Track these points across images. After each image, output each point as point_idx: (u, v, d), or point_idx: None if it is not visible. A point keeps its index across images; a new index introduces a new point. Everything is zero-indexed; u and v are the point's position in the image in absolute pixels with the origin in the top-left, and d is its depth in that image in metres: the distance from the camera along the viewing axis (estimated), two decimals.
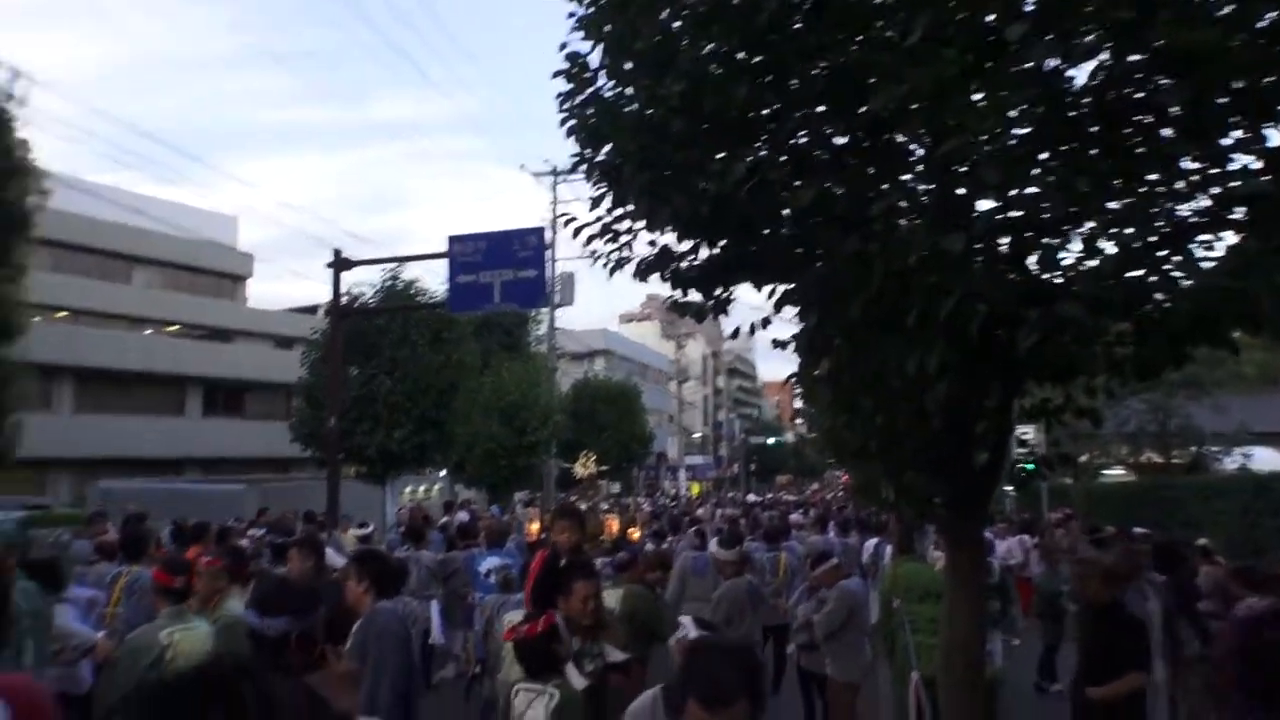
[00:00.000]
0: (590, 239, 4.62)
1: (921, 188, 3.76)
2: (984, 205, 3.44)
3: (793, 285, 4.24)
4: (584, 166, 4.59)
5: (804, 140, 3.94)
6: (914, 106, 3.25)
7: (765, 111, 3.86)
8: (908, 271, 3.20)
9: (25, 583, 4.47)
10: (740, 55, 3.76)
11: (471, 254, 15.22)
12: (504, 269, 14.97)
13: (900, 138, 3.81)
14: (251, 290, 40.59)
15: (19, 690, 2.51)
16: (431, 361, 23.24)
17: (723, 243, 4.33)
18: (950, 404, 3.92)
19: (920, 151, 3.79)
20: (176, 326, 34.91)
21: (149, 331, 33.97)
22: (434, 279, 26.60)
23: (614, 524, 9.76)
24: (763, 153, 3.92)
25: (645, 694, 3.21)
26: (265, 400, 35.64)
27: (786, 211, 3.92)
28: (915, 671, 5.59)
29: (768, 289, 4.32)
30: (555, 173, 28.40)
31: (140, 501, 19.03)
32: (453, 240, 15.58)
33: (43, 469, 26.54)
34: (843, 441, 5.37)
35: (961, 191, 3.51)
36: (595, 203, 4.54)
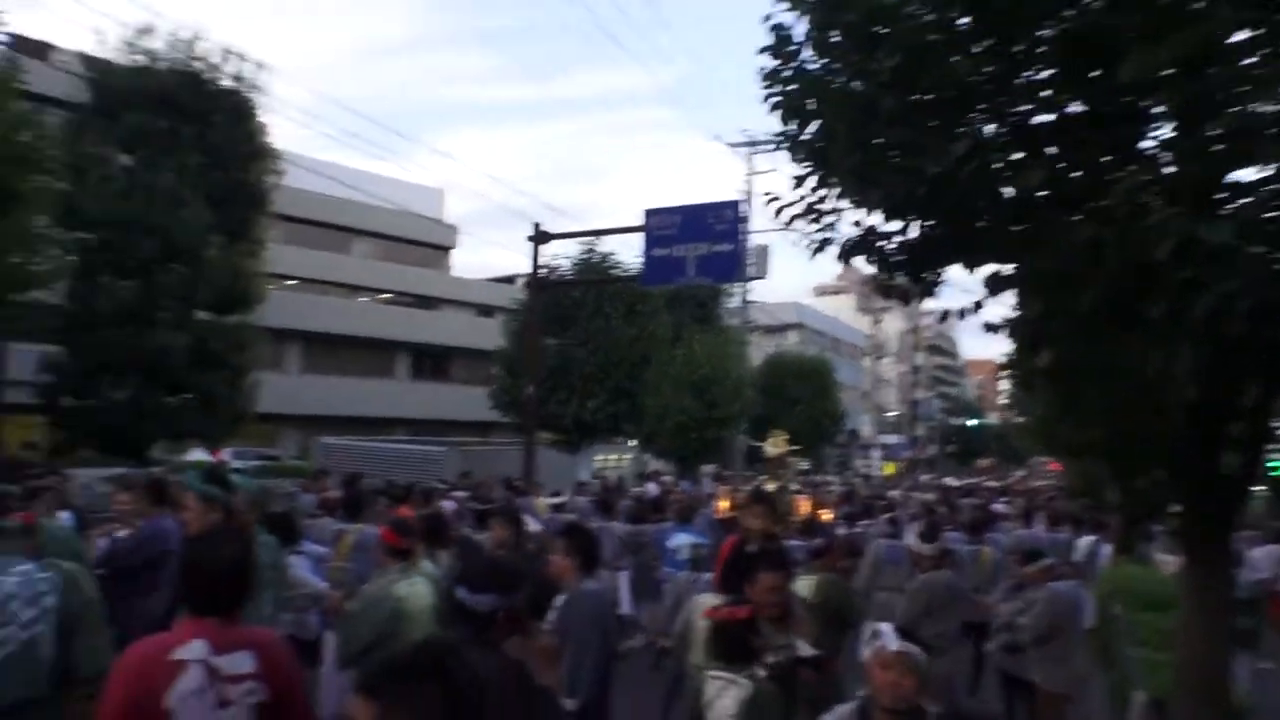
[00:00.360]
0: (793, 219, 4.47)
1: (1165, 164, 3.35)
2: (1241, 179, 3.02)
3: (1012, 269, 3.93)
4: (787, 144, 4.44)
5: (1029, 111, 3.62)
6: (1168, 73, 2.89)
7: (985, 78, 3.56)
8: (1153, 263, 2.85)
9: (265, 536, 4.88)
10: (962, 22, 3.48)
11: (667, 228, 15.30)
12: (699, 243, 14.95)
13: (1144, 105, 3.41)
14: (454, 260, 42.94)
15: (264, 643, 2.76)
16: (625, 334, 23.72)
17: (935, 223, 4.07)
18: (1197, 403, 3.52)
19: (1170, 124, 3.37)
20: (388, 294, 37.45)
21: (364, 299, 36.65)
22: (629, 251, 27.04)
23: (805, 504, 9.56)
24: (983, 127, 3.62)
25: (841, 710, 3.09)
26: (468, 366, 37.59)
27: (1010, 191, 3.61)
28: (1140, 692, 5.11)
29: (982, 270, 4.04)
30: (752, 144, 28.07)
31: (353, 457, 20.65)
32: (648, 214, 15.70)
33: (274, 423, 29.20)
34: (1062, 436, 4.98)
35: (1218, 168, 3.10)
36: (799, 182, 4.38)
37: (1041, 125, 3.57)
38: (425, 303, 38.33)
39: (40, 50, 22.18)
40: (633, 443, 28.58)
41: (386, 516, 7.08)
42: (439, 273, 40.46)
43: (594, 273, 23.83)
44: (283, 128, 74.70)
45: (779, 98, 4.25)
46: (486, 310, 38.75)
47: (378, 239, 37.56)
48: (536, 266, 18.00)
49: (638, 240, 16.08)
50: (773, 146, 4.38)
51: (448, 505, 10.41)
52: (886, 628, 3.09)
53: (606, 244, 25.01)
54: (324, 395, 32.05)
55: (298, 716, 2.79)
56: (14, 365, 19.01)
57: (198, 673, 2.55)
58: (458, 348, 37.55)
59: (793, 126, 4.26)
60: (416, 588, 4.48)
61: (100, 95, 18.76)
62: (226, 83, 19.87)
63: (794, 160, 4.36)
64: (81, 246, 17.27)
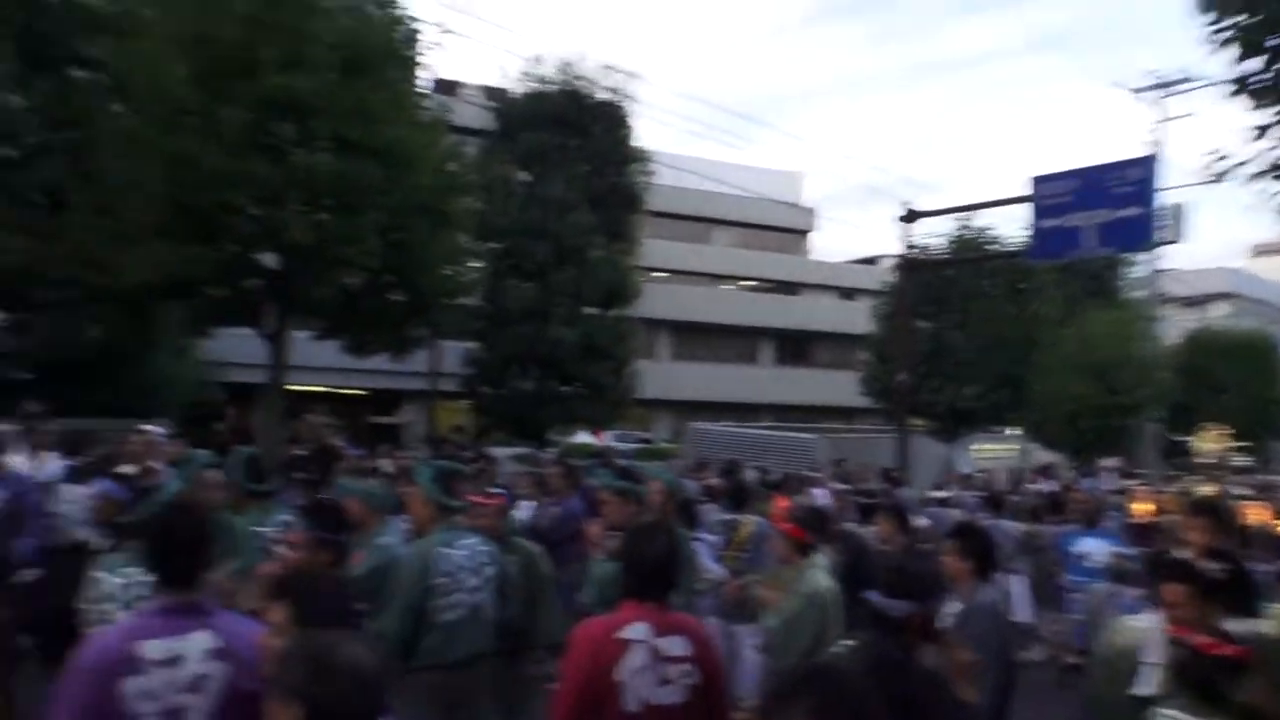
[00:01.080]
0: (1252, 177, 3.76)
1: None
2: None
3: None
4: (1241, 90, 3.73)
5: None
6: None
7: None
8: None
9: (680, 529, 5.05)
10: None
11: (1059, 195, 13.80)
12: (1098, 209, 13.28)
13: None
14: (813, 243, 42.81)
15: (694, 629, 2.96)
16: (1007, 313, 22.15)
17: None
18: None
19: None
20: (750, 281, 38.31)
21: (727, 286, 37.83)
22: (1009, 224, 25.08)
23: (1257, 513, 7.98)
24: None
25: None
26: (831, 350, 37.37)
27: None
28: None
29: None
30: (1163, 85, 24.39)
31: (722, 443, 21.28)
32: (1037, 181, 14.34)
33: (648, 408, 31.08)
34: None
35: None
36: (1261, 132, 3.68)
37: None
38: (786, 288, 38.71)
39: (451, 88, 25.64)
40: (1012, 431, 26.52)
41: (766, 506, 7.15)
42: (798, 257, 40.65)
43: (970, 250, 22.42)
44: (647, 127, 79.61)
45: (1229, 32, 3.58)
46: (848, 293, 38.25)
47: (737, 227, 38.58)
48: (907, 247, 17.32)
49: (1017, 211, 14.83)
50: (1233, 92, 3.70)
51: (818, 494, 10.32)
52: None
53: (981, 217, 23.44)
54: (693, 381, 33.54)
55: (719, 701, 2.92)
56: (445, 359, 22.46)
57: (642, 652, 2.76)
58: (820, 332, 37.47)
59: (1253, 65, 3.58)
60: (827, 581, 4.46)
61: (502, 121, 21.32)
62: (603, 95, 21.51)
63: (1255, 107, 3.67)
64: (492, 254, 19.76)
